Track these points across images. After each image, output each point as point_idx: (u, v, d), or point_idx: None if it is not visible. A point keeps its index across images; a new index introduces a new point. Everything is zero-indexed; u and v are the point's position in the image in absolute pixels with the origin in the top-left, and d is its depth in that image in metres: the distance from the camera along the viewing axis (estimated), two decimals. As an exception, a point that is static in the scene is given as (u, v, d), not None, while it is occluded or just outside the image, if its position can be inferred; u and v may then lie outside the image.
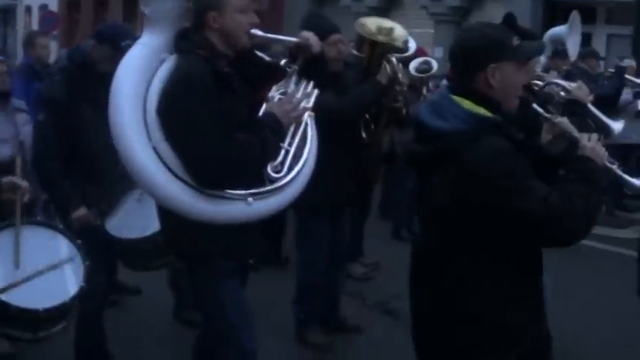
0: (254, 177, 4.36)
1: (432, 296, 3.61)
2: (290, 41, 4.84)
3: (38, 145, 6.12)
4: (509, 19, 5.62)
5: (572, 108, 5.50)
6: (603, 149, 3.63)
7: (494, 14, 18.29)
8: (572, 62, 11.53)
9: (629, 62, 13.23)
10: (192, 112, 4.17)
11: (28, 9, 44.20)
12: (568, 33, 10.95)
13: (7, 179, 4.37)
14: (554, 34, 11.41)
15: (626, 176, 3.86)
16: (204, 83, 4.23)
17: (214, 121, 4.17)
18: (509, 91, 3.54)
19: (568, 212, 3.30)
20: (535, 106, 3.91)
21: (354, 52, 6.97)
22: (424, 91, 10.64)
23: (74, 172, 5.94)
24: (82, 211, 5.89)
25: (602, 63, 14.34)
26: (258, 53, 4.81)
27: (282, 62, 4.85)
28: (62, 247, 4.54)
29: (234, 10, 4.44)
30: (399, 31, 6.94)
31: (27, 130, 6.61)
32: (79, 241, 4.79)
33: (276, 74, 4.79)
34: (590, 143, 3.62)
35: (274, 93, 4.70)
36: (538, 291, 3.64)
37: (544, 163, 3.74)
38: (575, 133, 3.72)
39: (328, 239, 6.80)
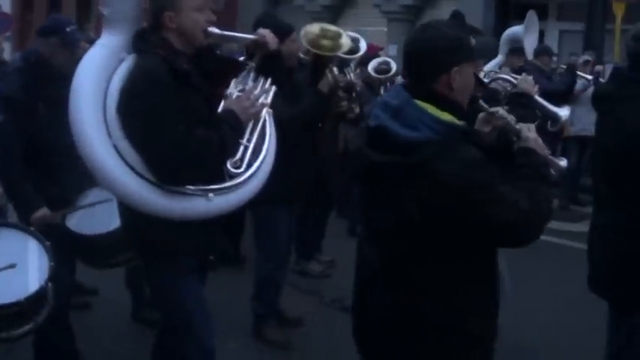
0: (214, 173, 4.38)
1: (394, 303, 3.56)
2: (247, 38, 4.90)
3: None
4: (457, 17, 5.72)
5: (519, 100, 5.65)
6: (539, 139, 3.70)
7: (447, 12, 18.39)
8: (525, 59, 11.67)
9: (587, 57, 13.47)
10: (150, 109, 4.19)
11: (-20, 9, 43.76)
12: (525, 32, 11.13)
13: None
14: (512, 33, 11.57)
15: (553, 159, 3.90)
16: (162, 81, 4.24)
17: (173, 118, 4.19)
18: (466, 92, 3.52)
19: (536, 213, 3.37)
20: (481, 102, 3.88)
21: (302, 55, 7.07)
22: (382, 90, 10.69)
23: (35, 171, 5.92)
24: (42, 212, 5.85)
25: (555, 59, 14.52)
26: (217, 51, 4.87)
27: (240, 59, 4.91)
28: (32, 248, 4.52)
29: (191, 9, 4.47)
30: (345, 39, 7.00)
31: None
32: (48, 243, 4.77)
33: (233, 70, 4.82)
34: (532, 134, 3.67)
35: (233, 90, 4.71)
36: (495, 291, 3.66)
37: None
38: (516, 125, 3.75)
39: (285, 232, 6.84)
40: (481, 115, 3.88)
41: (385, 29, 23.71)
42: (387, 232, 3.52)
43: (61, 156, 5.56)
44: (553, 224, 11.20)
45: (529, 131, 3.68)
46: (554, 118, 6.34)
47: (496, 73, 6.84)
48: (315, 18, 24.80)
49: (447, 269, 3.41)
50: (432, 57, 3.42)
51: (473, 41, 3.52)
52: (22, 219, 5.98)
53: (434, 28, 3.48)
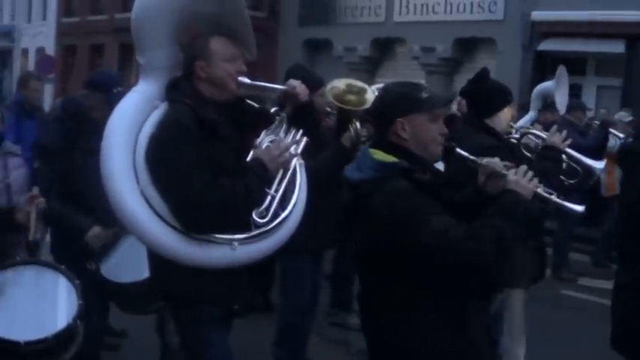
0: (239, 222, 4.41)
1: (370, 331, 3.96)
2: (278, 89, 4.93)
3: (39, 186, 6.28)
4: (483, 73, 5.88)
5: (547, 153, 5.61)
6: (532, 182, 3.85)
7: (485, 65, 18.43)
8: (559, 115, 11.66)
9: (625, 115, 13.42)
10: (176, 157, 4.26)
11: (25, 52, 44.48)
12: (556, 87, 11.14)
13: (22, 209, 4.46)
14: (543, 89, 11.62)
15: (566, 204, 4.04)
16: (188, 130, 4.31)
17: (198, 167, 4.25)
18: (423, 141, 3.83)
19: (470, 243, 3.50)
20: (459, 150, 4.12)
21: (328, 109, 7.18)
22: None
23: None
24: (96, 230, 6.05)
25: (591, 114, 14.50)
26: (248, 101, 4.90)
27: (272, 110, 4.94)
28: (62, 286, 4.58)
29: (221, 60, 4.56)
30: (370, 94, 7.09)
31: (18, 174, 6.76)
32: (77, 282, 4.83)
33: (264, 120, 4.86)
34: (515, 177, 3.84)
35: (264, 140, 4.75)
36: (463, 324, 3.77)
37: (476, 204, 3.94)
38: (502, 169, 3.94)
39: (310, 281, 6.88)
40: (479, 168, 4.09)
41: (424, 81, 23.67)
42: (357, 263, 4.03)
43: (94, 203, 5.67)
44: (585, 281, 11.18)
45: (515, 174, 3.86)
46: (589, 170, 6.33)
47: (527, 128, 6.82)
48: (354, 69, 25.05)
49: (400, 296, 3.72)
50: (380, 111, 3.96)
51: (423, 95, 3.84)
52: (60, 256, 6.19)
53: (385, 88, 4.10)
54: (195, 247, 4.32)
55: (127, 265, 5.88)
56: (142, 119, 4.55)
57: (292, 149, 4.72)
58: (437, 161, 4.16)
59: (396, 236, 3.58)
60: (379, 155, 3.79)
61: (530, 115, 11.36)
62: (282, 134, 4.84)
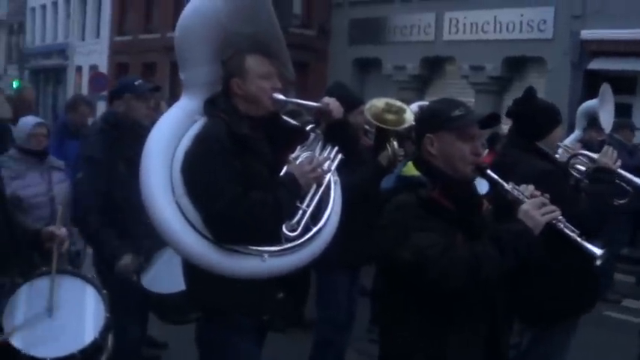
0: (270, 235, 4.47)
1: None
2: (312, 106, 5.03)
3: (78, 202, 6.48)
4: (529, 92, 5.77)
5: (598, 175, 5.56)
6: (548, 215, 3.78)
7: (534, 85, 18.35)
8: (607, 134, 11.54)
9: None
10: (208, 170, 4.38)
11: (79, 69, 45.09)
12: (599, 105, 11.03)
13: (46, 229, 4.51)
14: (587, 107, 11.50)
15: (586, 244, 3.89)
16: (221, 144, 4.44)
17: (229, 180, 4.36)
18: (450, 158, 3.88)
19: (442, 264, 3.55)
20: (489, 172, 4.01)
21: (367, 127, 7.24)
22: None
23: (111, 226, 6.21)
24: (127, 259, 6.20)
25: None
26: (284, 117, 5.01)
27: (309, 127, 5.01)
28: (89, 297, 4.58)
29: (256, 77, 4.68)
30: (409, 114, 7.13)
31: (61, 187, 6.89)
32: (105, 292, 4.87)
33: (299, 137, 4.93)
34: (526, 207, 3.79)
35: (299, 155, 4.82)
36: (451, 341, 3.80)
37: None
38: (520, 196, 3.89)
39: (346, 296, 6.89)
40: None
41: (473, 100, 23.73)
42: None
43: (133, 213, 5.76)
44: (628, 302, 11.03)
45: (528, 205, 3.80)
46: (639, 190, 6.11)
47: (574, 149, 6.59)
48: (403, 88, 25.11)
49: (390, 305, 3.92)
50: (416, 126, 4.17)
51: (456, 113, 3.86)
52: (101, 270, 6.35)
53: (424, 105, 4.07)
54: (227, 258, 4.41)
55: (166, 276, 5.96)
56: (181, 133, 4.70)
57: (326, 165, 4.80)
58: (470, 180, 4.05)
59: (385, 246, 3.74)
60: (408, 168, 3.91)
61: (576, 134, 11.25)
62: (317, 151, 4.92)
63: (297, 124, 5.04)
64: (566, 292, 5.36)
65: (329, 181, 4.81)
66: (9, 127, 9.04)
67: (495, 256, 3.60)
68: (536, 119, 5.64)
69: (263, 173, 4.59)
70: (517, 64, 23.41)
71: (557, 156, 6.09)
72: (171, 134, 4.73)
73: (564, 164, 6.11)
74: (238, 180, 4.41)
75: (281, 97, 4.74)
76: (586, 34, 20.49)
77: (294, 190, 4.55)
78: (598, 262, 3.87)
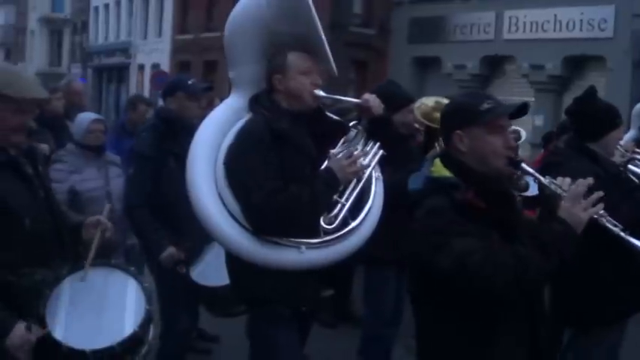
0: (306, 227, 4.56)
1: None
2: (353, 102, 5.12)
3: (129, 196, 6.62)
4: (590, 91, 5.61)
5: None
6: (590, 210, 3.59)
7: (595, 84, 18.16)
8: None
9: None
10: (247, 164, 4.51)
11: (141, 67, 45.60)
12: (657, 104, 10.87)
13: (91, 217, 4.56)
14: (642, 106, 11.33)
15: (631, 239, 3.72)
16: (261, 139, 4.55)
17: (267, 173, 4.47)
18: (481, 154, 3.71)
19: (486, 271, 3.40)
20: (524, 165, 3.84)
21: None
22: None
23: (160, 221, 6.32)
24: (170, 251, 6.31)
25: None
26: (327, 112, 5.07)
27: (351, 123, 5.07)
28: (131, 290, 4.61)
29: (297, 73, 4.78)
30: None
31: (117, 182, 7.01)
32: (147, 285, 4.90)
33: (340, 132, 5.00)
34: (567, 204, 3.60)
35: (340, 150, 4.88)
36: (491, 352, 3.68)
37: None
38: (558, 190, 3.71)
39: (394, 291, 6.91)
40: None
41: (533, 99, 23.60)
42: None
43: (183, 208, 5.85)
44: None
45: (568, 201, 3.60)
46: None
47: (633, 152, 6.19)
48: (463, 87, 25.05)
49: (427, 317, 3.80)
50: (442, 123, 3.91)
51: (483, 106, 3.70)
52: (151, 262, 6.57)
53: (451, 98, 4.05)
54: (265, 248, 4.52)
55: (215, 269, 6.00)
56: (227, 129, 4.84)
57: (366, 161, 4.85)
58: (504, 175, 3.88)
59: (421, 254, 3.61)
60: (436, 167, 3.78)
61: (631, 133, 11.02)
62: (359, 146, 4.97)
63: (340, 119, 5.11)
64: (605, 295, 5.26)
65: (370, 177, 4.87)
66: (65, 122, 9.16)
67: (539, 259, 3.45)
68: (593, 120, 5.49)
69: (303, 167, 4.67)
70: (577, 63, 23.27)
71: (614, 158, 5.79)
72: (217, 130, 4.88)
73: (618, 167, 5.81)
74: (277, 174, 4.51)
75: (321, 92, 4.83)
76: (647, 32, 20.31)
77: (332, 183, 4.62)
78: None
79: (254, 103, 4.86)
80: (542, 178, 3.81)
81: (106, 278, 4.42)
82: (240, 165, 4.55)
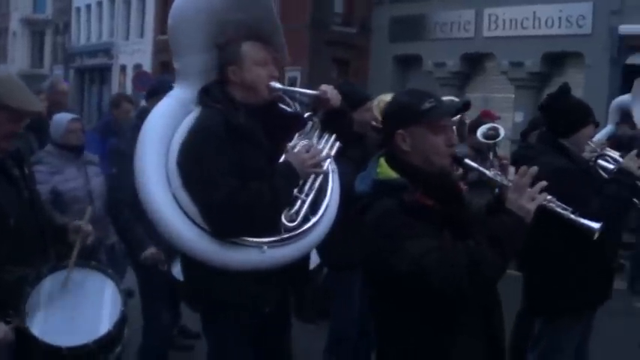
0: (268, 225, 4.43)
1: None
2: (309, 94, 4.90)
3: (112, 195, 6.69)
4: (563, 88, 5.70)
5: (622, 179, 5.39)
6: (537, 198, 3.55)
7: (573, 80, 18.35)
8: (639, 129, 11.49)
9: None
10: (204, 163, 4.34)
11: (123, 68, 45.53)
12: (632, 100, 10.98)
13: (73, 222, 4.62)
14: (620, 102, 11.42)
15: (581, 220, 3.72)
16: (217, 136, 4.38)
17: (225, 172, 4.31)
18: (424, 153, 3.66)
19: (443, 270, 3.36)
20: (467, 161, 3.82)
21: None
22: (490, 155, 10.69)
23: (142, 219, 6.38)
24: (152, 250, 6.36)
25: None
26: (281, 105, 4.86)
27: (306, 115, 4.91)
28: (108, 291, 4.66)
29: (253, 64, 4.61)
30: None
31: (97, 181, 7.08)
32: (124, 288, 4.93)
33: (296, 125, 4.83)
34: (513, 195, 3.56)
35: (296, 144, 4.73)
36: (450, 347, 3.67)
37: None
38: (504, 182, 3.70)
39: (359, 294, 6.61)
40: None
41: (513, 96, 23.81)
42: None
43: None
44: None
45: (514, 192, 3.56)
46: None
47: (600, 147, 6.25)
48: (444, 84, 25.24)
49: (389, 317, 3.74)
50: (384, 122, 3.89)
51: (425, 105, 3.64)
52: (134, 261, 6.65)
53: (392, 99, 3.96)
54: (225, 250, 4.37)
55: None
56: (175, 124, 4.64)
57: (324, 153, 4.75)
58: (449, 172, 3.84)
59: (376, 258, 3.55)
60: (382, 168, 3.70)
61: (608, 128, 11.17)
62: (315, 139, 4.85)
63: (296, 112, 4.93)
64: (574, 285, 5.36)
65: (327, 170, 4.76)
66: (48, 123, 9.21)
67: (492, 254, 3.41)
68: (565, 116, 5.58)
69: (260, 163, 4.52)
70: (556, 60, 23.42)
71: (585, 154, 5.94)
72: (165, 125, 4.68)
73: (588, 163, 5.98)
74: (235, 171, 4.35)
75: (277, 84, 4.68)
76: (624, 29, 20.43)
77: (292, 179, 4.50)
78: (596, 237, 3.73)
79: (204, 95, 4.64)
80: (487, 172, 3.79)
81: (84, 279, 4.46)
82: (197, 164, 4.37)
